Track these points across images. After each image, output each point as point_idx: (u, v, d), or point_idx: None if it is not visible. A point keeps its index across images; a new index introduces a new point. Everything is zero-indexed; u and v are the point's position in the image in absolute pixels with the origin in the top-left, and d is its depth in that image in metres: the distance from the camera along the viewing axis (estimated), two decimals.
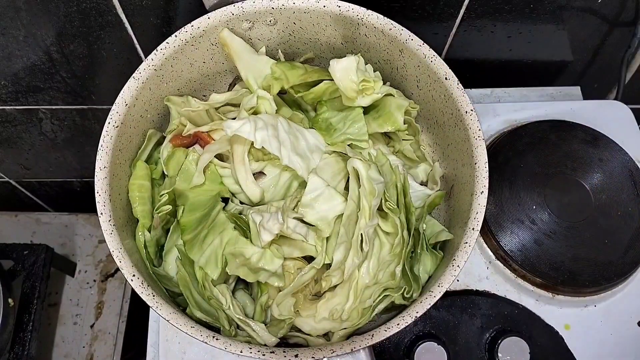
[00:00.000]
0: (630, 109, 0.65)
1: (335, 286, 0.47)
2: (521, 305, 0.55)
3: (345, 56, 0.48)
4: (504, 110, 0.65)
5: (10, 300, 0.76)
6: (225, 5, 0.48)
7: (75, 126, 0.79)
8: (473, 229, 0.44)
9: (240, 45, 0.50)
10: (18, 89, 0.71)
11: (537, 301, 0.56)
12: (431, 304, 0.42)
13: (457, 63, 0.62)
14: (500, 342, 0.52)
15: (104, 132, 0.46)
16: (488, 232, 0.57)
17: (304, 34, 0.51)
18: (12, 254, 0.84)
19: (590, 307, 0.56)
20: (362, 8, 0.47)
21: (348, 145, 0.50)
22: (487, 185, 0.45)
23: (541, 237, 0.57)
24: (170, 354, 0.54)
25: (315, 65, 0.55)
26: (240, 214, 0.50)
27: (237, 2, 0.48)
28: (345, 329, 0.47)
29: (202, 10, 0.54)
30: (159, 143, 0.53)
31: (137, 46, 0.63)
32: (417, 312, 0.42)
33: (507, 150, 0.61)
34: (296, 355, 0.41)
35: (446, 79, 0.47)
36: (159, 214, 0.48)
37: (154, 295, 0.42)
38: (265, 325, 0.47)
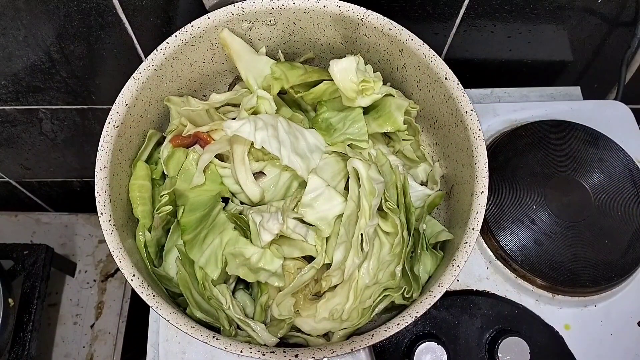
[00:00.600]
0: (630, 109, 0.65)
1: (335, 286, 0.47)
2: (521, 305, 0.55)
3: (345, 56, 0.48)
4: (504, 110, 0.65)
5: (10, 300, 0.76)
6: (225, 5, 0.48)
7: (75, 126, 0.79)
8: (473, 229, 0.44)
9: (240, 45, 0.50)
10: (18, 89, 0.71)
11: (537, 301, 0.56)
12: (431, 304, 0.42)
13: (457, 63, 0.62)
14: (500, 342, 0.52)
15: (104, 132, 0.46)
16: (488, 232, 0.57)
17: (304, 34, 0.51)
18: (12, 254, 0.84)
19: (590, 307, 0.56)
20: (362, 8, 0.47)
21: (348, 145, 0.50)
22: (487, 185, 0.45)
23: (541, 237, 0.57)
24: (170, 354, 0.54)
25: (315, 65, 0.55)
26: (240, 214, 0.50)
27: (237, 2, 0.48)
28: (345, 329, 0.47)
29: (202, 10, 0.54)
30: (159, 143, 0.53)
31: (137, 46, 0.63)
32: (417, 312, 0.42)
33: (507, 150, 0.61)
34: (296, 355, 0.41)
35: (446, 79, 0.47)
36: (160, 214, 0.49)
37: (154, 295, 0.42)
38: (265, 325, 0.47)
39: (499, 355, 0.52)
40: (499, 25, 0.62)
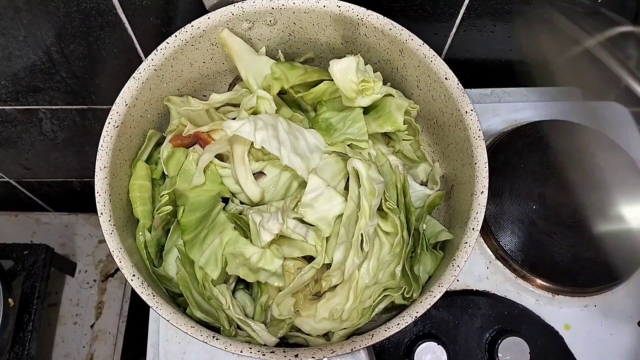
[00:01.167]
0: (629, 110, 0.65)
1: (335, 286, 0.47)
2: (521, 305, 0.55)
3: (345, 56, 0.48)
4: (504, 110, 0.65)
5: (10, 300, 0.76)
6: (225, 5, 0.48)
7: (75, 126, 0.79)
8: (473, 229, 0.44)
9: (240, 45, 0.50)
10: (18, 89, 0.71)
11: (537, 301, 0.56)
12: (431, 304, 0.42)
13: (457, 63, 0.62)
14: (500, 342, 0.52)
15: (104, 132, 0.46)
16: (488, 232, 0.57)
17: (304, 34, 0.51)
18: (12, 254, 0.84)
19: (590, 307, 0.56)
20: (362, 8, 0.47)
21: (348, 145, 0.50)
22: (487, 185, 0.45)
23: (541, 237, 0.57)
24: (170, 354, 0.54)
25: (315, 65, 0.55)
26: (240, 214, 0.50)
27: (237, 2, 0.48)
28: (345, 329, 0.47)
29: (202, 10, 0.54)
30: (159, 143, 0.53)
31: (137, 46, 0.63)
32: (417, 312, 0.42)
33: (507, 150, 0.61)
34: (296, 355, 0.41)
35: (446, 79, 0.47)
36: (160, 214, 0.49)
37: (154, 295, 0.42)
38: (265, 325, 0.47)
39: (499, 355, 0.52)
40: (499, 25, 0.62)
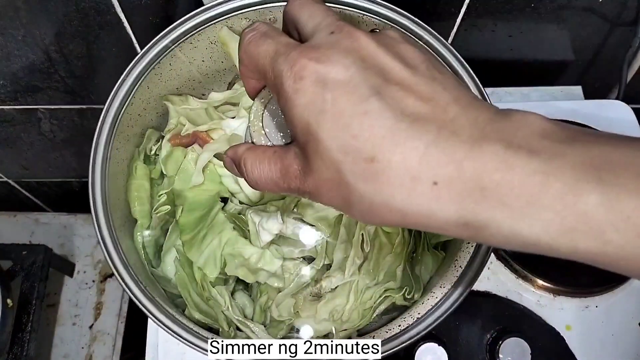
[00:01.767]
0: (632, 108, 0.65)
1: (335, 287, 0.47)
2: (522, 306, 0.55)
3: None
4: None
5: (8, 300, 0.76)
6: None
7: (74, 126, 0.79)
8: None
9: None
10: (17, 89, 0.70)
11: (538, 302, 0.56)
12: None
13: None
14: (502, 343, 0.52)
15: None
16: None
17: None
18: (10, 254, 0.84)
19: (592, 307, 0.56)
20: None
21: None
22: None
23: None
24: (169, 355, 0.53)
25: None
26: (239, 214, 0.50)
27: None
28: (345, 330, 0.46)
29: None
30: (158, 142, 0.53)
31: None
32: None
33: None
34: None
35: None
36: (158, 214, 0.48)
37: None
38: (265, 326, 0.47)
39: (500, 356, 0.51)
40: (500, 25, 0.62)
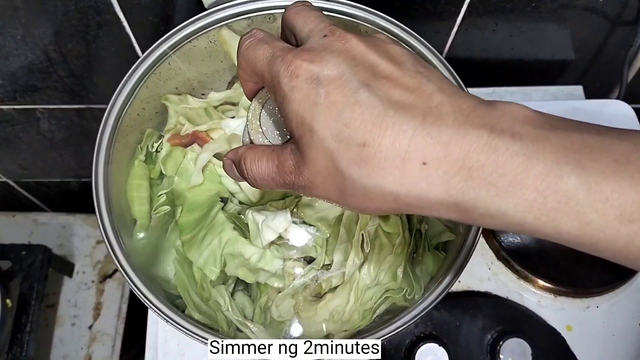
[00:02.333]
0: (633, 108, 0.65)
1: (335, 287, 0.47)
2: (523, 306, 0.55)
3: None
4: None
5: (8, 301, 0.75)
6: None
7: (73, 126, 0.79)
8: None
9: None
10: (16, 89, 0.70)
11: (539, 302, 0.56)
12: (433, 306, 0.42)
13: (458, 62, 0.62)
14: (502, 344, 0.51)
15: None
16: (490, 233, 0.57)
17: None
18: (9, 254, 0.84)
19: (593, 308, 0.56)
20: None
21: None
22: None
23: None
24: (169, 356, 0.53)
25: None
26: (239, 214, 0.50)
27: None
28: (346, 330, 0.46)
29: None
30: (160, 140, 0.52)
31: (135, 45, 0.62)
32: (419, 314, 0.42)
33: None
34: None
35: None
36: (157, 215, 0.48)
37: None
38: (265, 327, 0.47)
39: (501, 356, 0.51)
40: (500, 24, 0.62)
